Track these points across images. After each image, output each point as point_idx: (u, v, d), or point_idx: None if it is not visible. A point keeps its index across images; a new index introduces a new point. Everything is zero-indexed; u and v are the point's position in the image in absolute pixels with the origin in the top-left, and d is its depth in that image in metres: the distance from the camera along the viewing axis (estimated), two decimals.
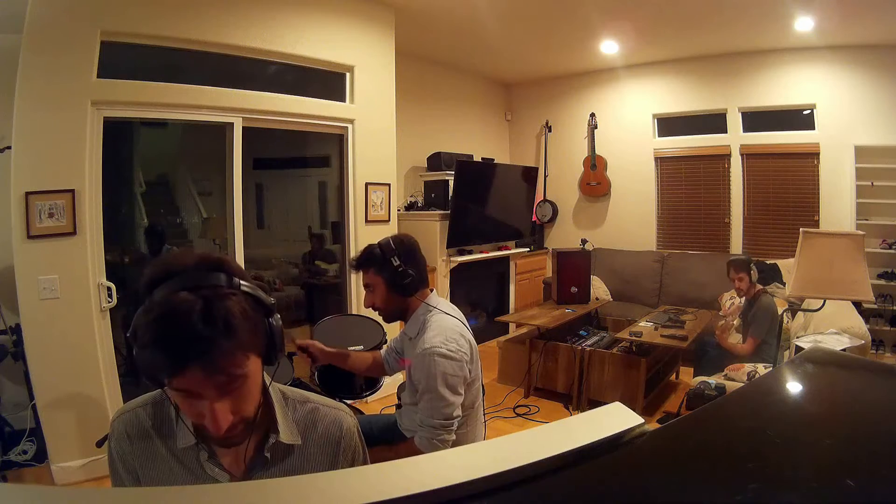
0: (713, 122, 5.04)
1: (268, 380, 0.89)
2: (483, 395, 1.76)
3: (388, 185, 3.76)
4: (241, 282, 0.77)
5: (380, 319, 1.82)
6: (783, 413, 0.65)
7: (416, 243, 1.70)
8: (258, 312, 0.79)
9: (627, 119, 5.46)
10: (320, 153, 4.41)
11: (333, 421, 0.94)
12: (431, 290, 1.72)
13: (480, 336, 1.68)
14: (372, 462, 1.00)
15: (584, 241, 5.34)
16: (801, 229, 2.31)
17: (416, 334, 1.63)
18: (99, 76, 2.50)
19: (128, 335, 0.73)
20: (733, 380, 2.89)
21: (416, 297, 1.66)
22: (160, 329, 0.69)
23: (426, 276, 1.71)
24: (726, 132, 4.95)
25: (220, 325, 0.70)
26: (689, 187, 5.24)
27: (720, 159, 5.00)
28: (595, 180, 5.63)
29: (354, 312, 3.48)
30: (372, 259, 1.63)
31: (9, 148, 2.37)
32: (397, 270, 1.60)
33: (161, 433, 0.87)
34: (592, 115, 5.56)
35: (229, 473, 0.86)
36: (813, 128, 4.59)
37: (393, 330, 2.37)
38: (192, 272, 0.74)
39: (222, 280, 0.75)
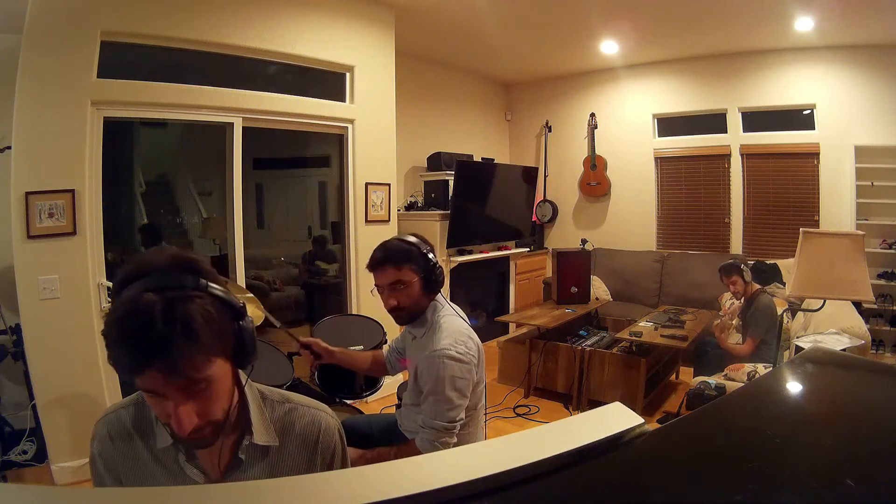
0: (713, 122, 5.03)
1: (244, 379, 0.88)
2: (485, 396, 1.76)
3: (388, 185, 3.76)
4: (211, 284, 0.76)
5: (382, 320, 1.80)
6: (783, 413, 0.65)
7: None
8: (226, 315, 0.78)
9: (627, 119, 5.46)
10: (320, 153, 4.42)
11: (312, 420, 0.93)
12: None
13: (480, 336, 1.67)
14: (371, 463, 1.00)
15: (584, 241, 5.34)
16: (801, 229, 2.31)
17: (423, 334, 1.60)
18: (99, 76, 2.50)
19: (101, 332, 0.74)
20: (733, 380, 2.89)
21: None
22: (121, 329, 0.69)
23: None
24: (726, 132, 4.95)
25: (179, 328, 0.69)
26: (689, 187, 5.24)
27: (720, 159, 5.00)
28: (595, 180, 5.63)
29: (354, 312, 3.49)
30: (410, 255, 1.54)
31: (9, 148, 2.36)
32: (434, 267, 1.56)
33: (142, 434, 0.87)
34: (592, 115, 5.56)
35: (206, 474, 0.86)
36: (813, 128, 4.59)
37: (393, 330, 2.37)
38: (161, 272, 0.73)
39: (189, 281, 0.74)
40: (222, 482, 0.85)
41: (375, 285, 1.60)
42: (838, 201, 4.42)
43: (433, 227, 4.45)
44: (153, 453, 0.86)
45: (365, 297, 3.58)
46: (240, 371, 0.89)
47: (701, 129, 5.12)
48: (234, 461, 0.87)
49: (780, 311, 3.02)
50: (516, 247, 5.44)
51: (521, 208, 5.39)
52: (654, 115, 5.35)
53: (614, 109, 5.53)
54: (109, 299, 2.59)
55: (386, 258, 1.55)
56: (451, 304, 1.70)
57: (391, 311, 1.60)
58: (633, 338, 3.37)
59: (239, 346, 0.80)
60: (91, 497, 0.53)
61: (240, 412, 0.87)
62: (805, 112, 4.64)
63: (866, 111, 4.34)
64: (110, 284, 2.56)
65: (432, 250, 1.60)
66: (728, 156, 4.94)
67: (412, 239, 1.58)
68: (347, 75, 3.53)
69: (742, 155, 4.90)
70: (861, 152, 4.29)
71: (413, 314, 1.61)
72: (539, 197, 5.84)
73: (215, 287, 0.77)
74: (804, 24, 3.92)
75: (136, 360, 0.69)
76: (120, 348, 0.69)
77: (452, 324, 1.57)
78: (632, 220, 5.49)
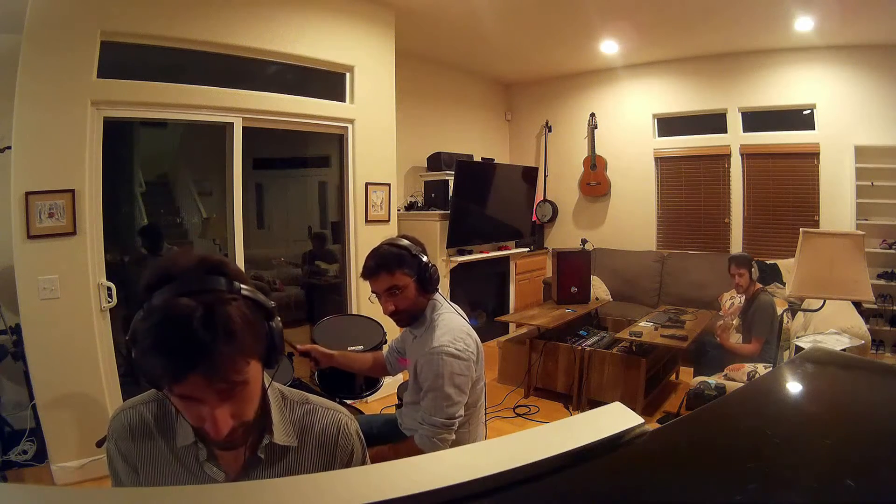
0: (713, 122, 5.03)
1: (267, 381, 0.88)
2: (485, 394, 1.76)
3: (388, 185, 3.76)
4: (242, 286, 0.76)
5: (381, 320, 1.80)
6: (783, 413, 0.65)
7: None
8: (258, 316, 0.78)
9: (627, 119, 5.46)
10: (320, 153, 4.41)
11: (332, 422, 0.93)
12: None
13: (480, 336, 1.68)
14: (372, 462, 1.00)
15: (584, 241, 5.34)
16: (801, 229, 2.31)
17: (422, 332, 1.62)
18: (99, 76, 2.50)
19: (127, 338, 0.72)
20: (733, 380, 2.89)
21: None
22: (160, 335, 0.68)
23: None
24: (726, 132, 4.95)
25: (220, 332, 0.69)
26: (689, 187, 5.24)
27: (720, 159, 5.00)
28: (595, 180, 5.63)
29: (354, 312, 3.48)
30: (402, 259, 1.56)
31: (9, 148, 2.37)
32: (428, 267, 1.58)
33: (162, 431, 0.87)
34: (592, 115, 5.56)
35: (226, 473, 0.86)
36: (813, 128, 4.59)
37: (393, 330, 2.37)
38: (192, 276, 0.73)
39: (222, 284, 0.73)
40: (241, 481, 0.85)
41: (372, 292, 1.61)
42: (838, 201, 4.42)
43: (433, 227, 4.45)
44: (173, 451, 0.86)
45: (365, 297, 3.58)
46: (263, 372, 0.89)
47: (701, 129, 5.12)
48: (253, 460, 0.87)
49: (780, 311, 3.02)
50: (516, 247, 5.44)
51: (521, 208, 5.39)
52: (654, 115, 5.35)
53: (614, 109, 5.53)
54: (110, 299, 2.60)
55: (379, 265, 1.56)
56: (450, 302, 1.71)
57: (391, 315, 1.61)
58: (633, 338, 3.37)
59: (269, 346, 0.80)
60: (91, 497, 0.53)
61: (261, 412, 0.87)
62: (805, 112, 4.64)
63: (866, 111, 4.34)
64: (111, 285, 2.58)
65: (424, 250, 1.62)
66: (728, 156, 4.94)
67: (402, 242, 1.60)
68: (347, 75, 3.53)
69: (742, 155, 4.89)
70: (861, 152, 4.29)
71: (413, 316, 1.63)
72: (539, 197, 5.84)
73: (246, 288, 0.76)
74: (804, 24, 3.92)
75: (176, 367, 0.68)
76: (157, 356, 0.68)
77: (451, 321, 1.59)
78: (632, 220, 5.49)
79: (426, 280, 1.59)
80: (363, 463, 0.98)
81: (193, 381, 0.69)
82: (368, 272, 1.58)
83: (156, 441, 0.87)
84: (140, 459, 0.87)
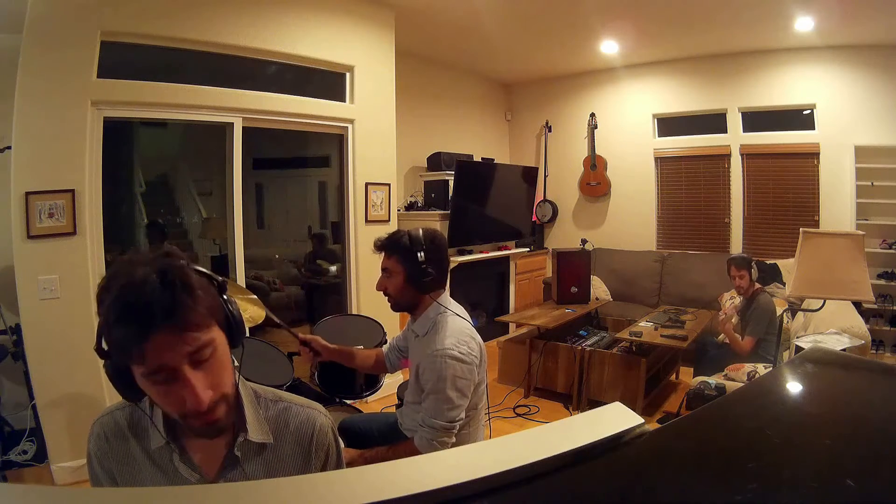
0: (713, 122, 5.03)
1: (237, 376, 0.89)
2: (487, 397, 1.76)
3: (388, 185, 3.76)
4: (192, 264, 0.79)
5: (381, 320, 1.81)
6: (783, 413, 0.65)
7: (446, 243, 1.69)
8: (211, 286, 0.80)
9: (627, 119, 5.46)
10: (320, 153, 4.42)
11: (306, 419, 0.94)
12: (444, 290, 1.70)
13: (480, 336, 1.67)
14: (371, 462, 1.00)
15: (584, 241, 5.34)
16: (801, 229, 2.31)
17: (426, 333, 1.62)
18: (99, 76, 2.50)
19: (96, 342, 0.74)
20: (733, 380, 2.89)
21: (430, 295, 1.65)
22: (123, 302, 0.70)
23: (446, 277, 1.69)
24: (726, 132, 4.95)
25: (178, 285, 0.71)
26: (689, 187, 5.24)
27: (720, 159, 5.00)
28: (595, 180, 5.63)
29: (354, 312, 3.48)
30: (398, 246, 1.61)
31: (9, 148, 2.37)
32: (420, 266, 1.58)
33: (136, 434, 0.88)
34: (592, 115, 5.56)
35: (200, 474, 0.86)
36: (813, 128, 4.59)
37: (393, 331, 2.37)
38: (145, 262, 0.76)
39: (174, 260, 0.77)
40: (217, 481, 0.85)
41: None
42: (838, 201, 4.42)
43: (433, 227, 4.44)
44: (147, 453, 0.87)
45: (365, 297, 3.58)
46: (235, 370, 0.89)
47: (701, 129, 5.12)
48: (230, 460, 0.87)
49: (780, 311, 3.02)
50: (516, 247, 5.44)
51: (521, 208, 5.39)
52: (654, 115, 5.35)
53: (614, 109, 5.53)
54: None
55: (382, 245, 1.65)
56: (457, 305, 1.70)
57: (381, 292, 1.68)
58: (633, 338, 3.37)
59: (229, 321, 0.82)
60: (91, 497, 0.53)
61: (234, 410, 0.87)
62: (805, 112, 4.64)
63: (866, 111, 4.34)
64: None
65: (433, 250, 1.61)
66: (728, 156, 4.94)
67: (418, 235, 1.61)
68: (347, 75, 3.53)
69: (742, 155, 4.89)
70: (861, 152, 4.29)
71: (399, 304, 1.66)
72: (539, 197, 5.84)
73: (196, 267, 0.80)
74: (804, 24, 3.92)
75: (141, 327, 0.69)
76: (123, 324, 0.69)
77: (455, 324, 1.58)
78: (632, 220, 5.49)
79: (416, 277, 1.59)
80: (339, 460, 0.98)
81: (161, 341, 0.70)
82: (376, 246, 1.67)
83: (130, 444, 0.88)
84: (116, 463, 0.88)
